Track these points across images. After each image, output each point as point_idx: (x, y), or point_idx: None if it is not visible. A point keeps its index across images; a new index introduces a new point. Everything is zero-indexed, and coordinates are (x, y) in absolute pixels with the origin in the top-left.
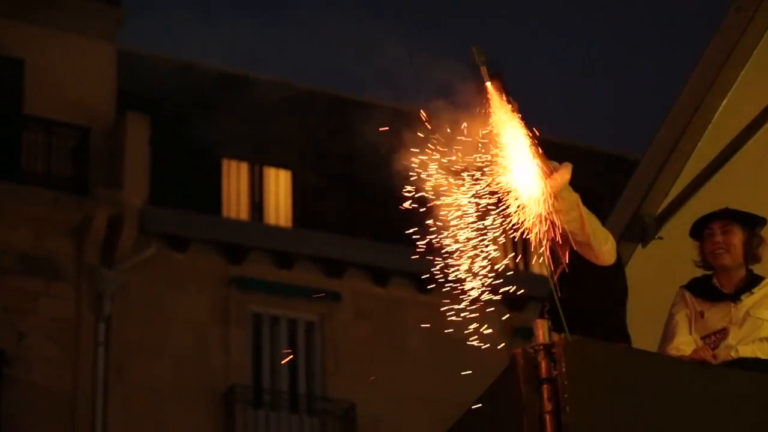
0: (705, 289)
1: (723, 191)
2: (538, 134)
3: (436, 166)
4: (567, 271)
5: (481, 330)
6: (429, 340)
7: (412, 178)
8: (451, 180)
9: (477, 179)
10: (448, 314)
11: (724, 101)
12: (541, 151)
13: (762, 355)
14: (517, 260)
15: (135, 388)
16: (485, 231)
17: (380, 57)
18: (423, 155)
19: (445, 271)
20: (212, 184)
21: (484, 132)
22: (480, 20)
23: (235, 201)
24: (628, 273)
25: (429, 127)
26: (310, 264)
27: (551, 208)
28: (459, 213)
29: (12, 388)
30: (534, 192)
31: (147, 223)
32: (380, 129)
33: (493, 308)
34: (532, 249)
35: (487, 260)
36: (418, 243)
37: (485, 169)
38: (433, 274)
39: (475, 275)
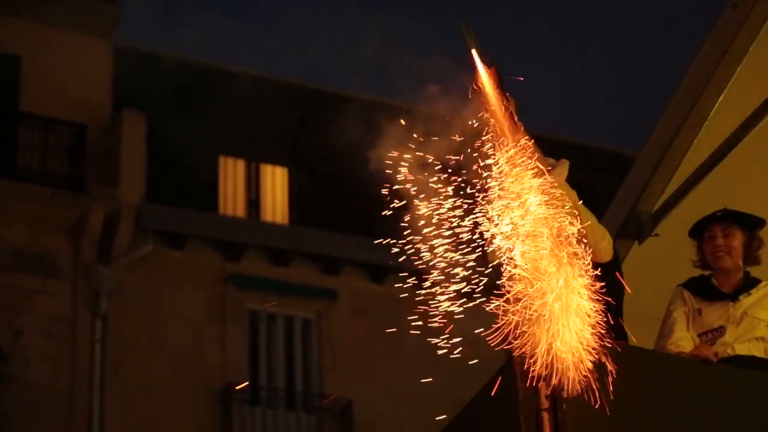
0: (703, 288)
1: (719, 188)
2: (528, 128)
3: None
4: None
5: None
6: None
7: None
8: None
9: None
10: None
11: (720, 98)
12: (536, 147)
13: (758, 354)
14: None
15: (132, 386)
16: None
17: (380, 57)
18: (419, 152)
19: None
20: (208, 182)
21: (482, 134)
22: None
23: (232, 198)
24: (624, 270)
25: (427, 125)
26: (307, 261)
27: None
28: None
29: (8, 386)
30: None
31: (143, 221)
32: (379, 126)
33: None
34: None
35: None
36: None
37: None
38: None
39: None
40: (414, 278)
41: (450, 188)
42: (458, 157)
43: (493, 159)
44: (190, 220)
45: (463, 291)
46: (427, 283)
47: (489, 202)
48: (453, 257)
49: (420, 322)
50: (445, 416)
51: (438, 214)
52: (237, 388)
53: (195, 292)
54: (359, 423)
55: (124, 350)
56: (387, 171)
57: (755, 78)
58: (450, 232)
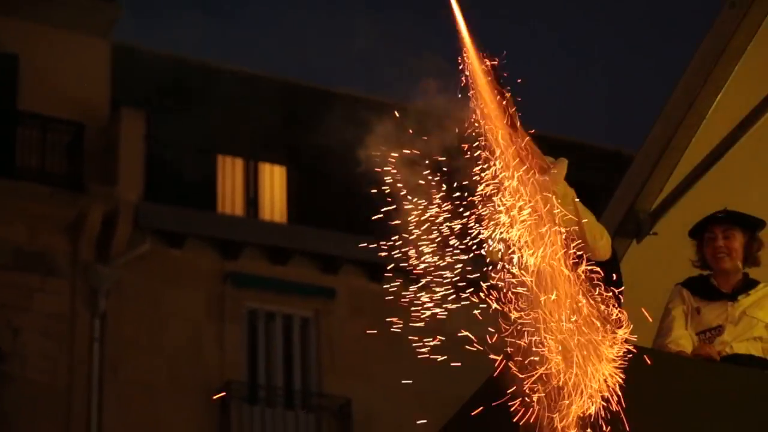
0: (702, 288)
1: (718, 187)
2: (526, 127)
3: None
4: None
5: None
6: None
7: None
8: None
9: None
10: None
11: (718, 97)
12: (533, 144)
13: (755, 353)
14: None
15: (130, 385)
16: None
17: (381, 57)
18: (417, 150)
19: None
20: (207, 181)
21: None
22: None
23: (230, 197)
24: (622, 268)
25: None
26: (306, 260)
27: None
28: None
29: (7, 384)
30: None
31: (142, 219)
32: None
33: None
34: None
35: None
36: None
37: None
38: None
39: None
40: (413, 278)
41: (448, 186)
42: (458, 157)
43: (493, 159)
44: (188, 218)
45: (462, 291)
46: (422, 283)
47: (489, 202)
48: (452, 257)
49: (421, 324)
50: (425, 421)
51: (435, 214)
52: (215, 394)
53: (193, 290)
54: (358, 422)
55: (123, 349)
56: (385, 170)
57: (753, 77)
58: (449, 232)
